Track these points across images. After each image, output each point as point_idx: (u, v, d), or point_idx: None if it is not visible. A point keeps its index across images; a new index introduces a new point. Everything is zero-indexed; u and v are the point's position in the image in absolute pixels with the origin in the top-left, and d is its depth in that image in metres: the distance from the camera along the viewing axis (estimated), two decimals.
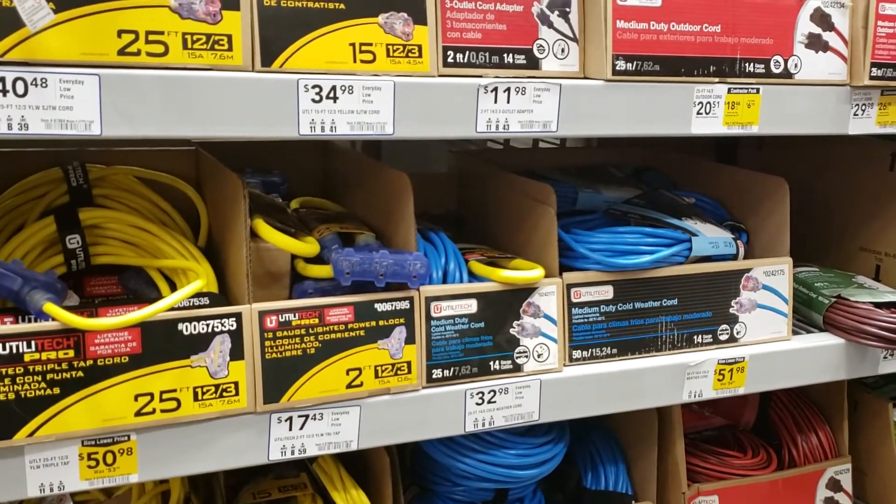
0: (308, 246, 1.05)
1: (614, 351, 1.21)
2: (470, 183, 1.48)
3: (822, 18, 1.18)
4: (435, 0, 1.00)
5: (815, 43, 1.18)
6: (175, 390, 0.95)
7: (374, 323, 1.04)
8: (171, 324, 0.95)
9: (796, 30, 1.17)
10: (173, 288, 1.07)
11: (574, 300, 1.18)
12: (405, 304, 1.06)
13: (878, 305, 1.33)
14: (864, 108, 1.23)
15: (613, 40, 1.06)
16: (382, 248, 1.07)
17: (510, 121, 1.04)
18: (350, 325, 1.03)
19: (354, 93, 0.96)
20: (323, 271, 1.06)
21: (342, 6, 0.95)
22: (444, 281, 1.14)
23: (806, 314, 1.41)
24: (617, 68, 1.06)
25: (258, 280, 1.04)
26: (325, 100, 0.94)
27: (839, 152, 1.58)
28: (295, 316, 1.00)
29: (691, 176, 1.53)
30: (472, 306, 1.11)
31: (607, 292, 1.20)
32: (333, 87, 0.94)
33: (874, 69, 1.20)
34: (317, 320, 1.01)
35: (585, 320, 1.19)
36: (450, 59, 1.01)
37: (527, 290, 1.14)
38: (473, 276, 1.16)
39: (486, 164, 1.42)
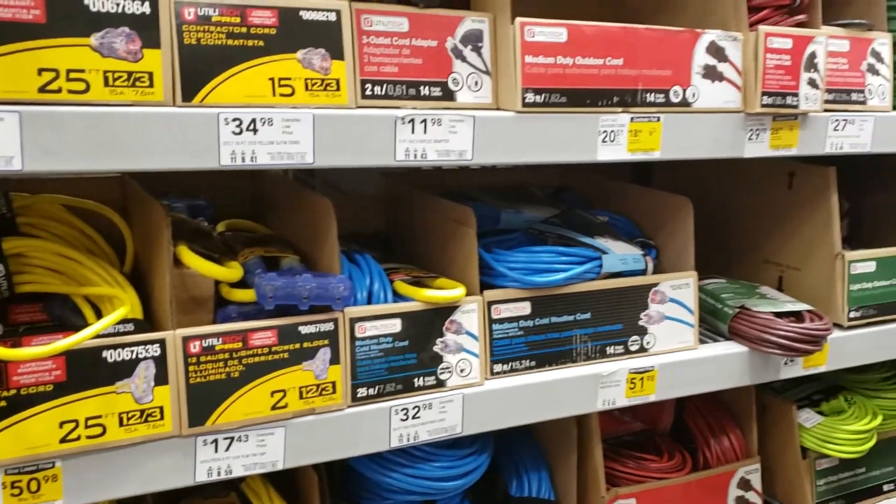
0: (231, 271, 1.08)
1: (533, 363, 1.27)
2: (398, 204, 1.53)
3: (716, 51, 1.27)
4: (352, 36, 1.04)
5: (711, 73, 1.27)
6: (100, 416, 0.97)
7: (298, 345, 1.08)
8: (96, 351, 0.97)
9: (693, 62, 1.25)
10: (99, 314, 1.08)
11: (494, 316, 1.24)
12: (329, 326, 1.10)
13: (778, 315, 1.42)
14: (758, 133, 1.33)
15: (523, 74, 1.12)
16: (306, 272, 1.10)
17: (427, 150, 1.09)
18: (274, 348, 1.06)
19: (274, 125, 0.99)
20: (247, 295, 1.08)
21: (261, 43, 0.99)
22: (370, 301, 1.18)
23: (713, 324, 1.49)
24: (526, 101, 1.13)
25: (182, 305, 1.06)
26: (246, 132, 0.98)
27: (744, 172, 1.68)
28: (218, 340, 1.03)
29: (605, 195, 1.61)
30: (396, 326, 1.15)
31: (525, 308, 1.26)
32: (253, 120, 0.98)
33: (765, 97, 1.29)
34: (240, 344, 1.04)
35: (505, 335, 1.25)
36: (367, 92, 1.06)
37: (449, 309, 1.19)
38: (398, 296, 1.20)
39: (412, 187, 1.47)
